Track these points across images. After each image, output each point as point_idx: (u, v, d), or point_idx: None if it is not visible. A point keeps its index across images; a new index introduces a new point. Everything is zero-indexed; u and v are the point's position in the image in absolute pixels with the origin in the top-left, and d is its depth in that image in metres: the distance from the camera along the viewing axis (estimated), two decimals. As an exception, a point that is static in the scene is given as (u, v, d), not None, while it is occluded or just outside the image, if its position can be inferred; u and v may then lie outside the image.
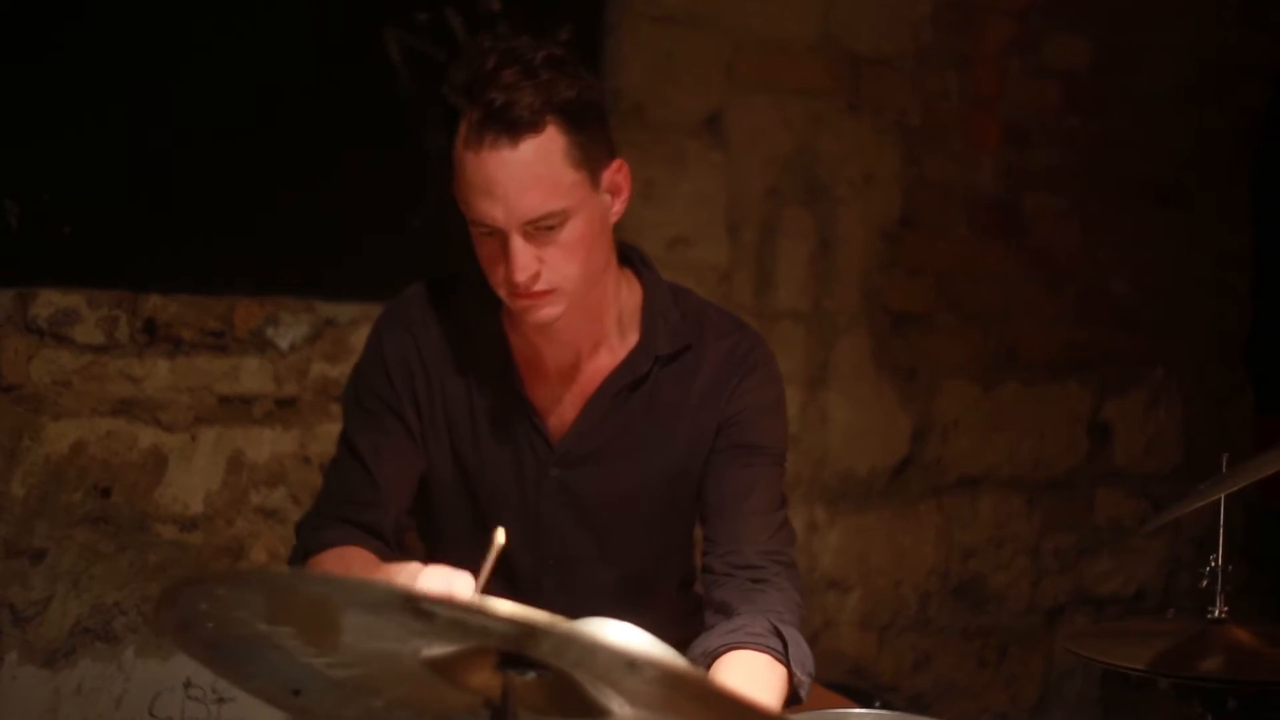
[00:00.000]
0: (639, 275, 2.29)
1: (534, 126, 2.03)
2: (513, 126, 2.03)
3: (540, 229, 2.06)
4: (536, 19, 2.22)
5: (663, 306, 2.27)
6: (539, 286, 2.09)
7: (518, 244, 2.06)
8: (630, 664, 1.36)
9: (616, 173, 2.15)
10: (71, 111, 2.86)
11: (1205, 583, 2.06)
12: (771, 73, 3.67)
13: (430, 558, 2.37)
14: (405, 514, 2.31)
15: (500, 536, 1.74)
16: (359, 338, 3.00)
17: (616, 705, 1.46)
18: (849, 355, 3.82)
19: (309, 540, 2.24)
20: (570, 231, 2.08)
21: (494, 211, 2.05)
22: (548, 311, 2.12)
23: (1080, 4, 4.09)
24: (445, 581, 1.85)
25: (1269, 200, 4.43)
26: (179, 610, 1.47)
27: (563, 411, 2.27)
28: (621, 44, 3.42)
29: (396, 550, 2.26)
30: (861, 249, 3.83)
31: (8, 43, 2.81)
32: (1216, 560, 2.06)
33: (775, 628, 2.12)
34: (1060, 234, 4.14)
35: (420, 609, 1.35)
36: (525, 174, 2.04)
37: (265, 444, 3.09)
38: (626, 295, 2.27)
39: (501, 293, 2.13)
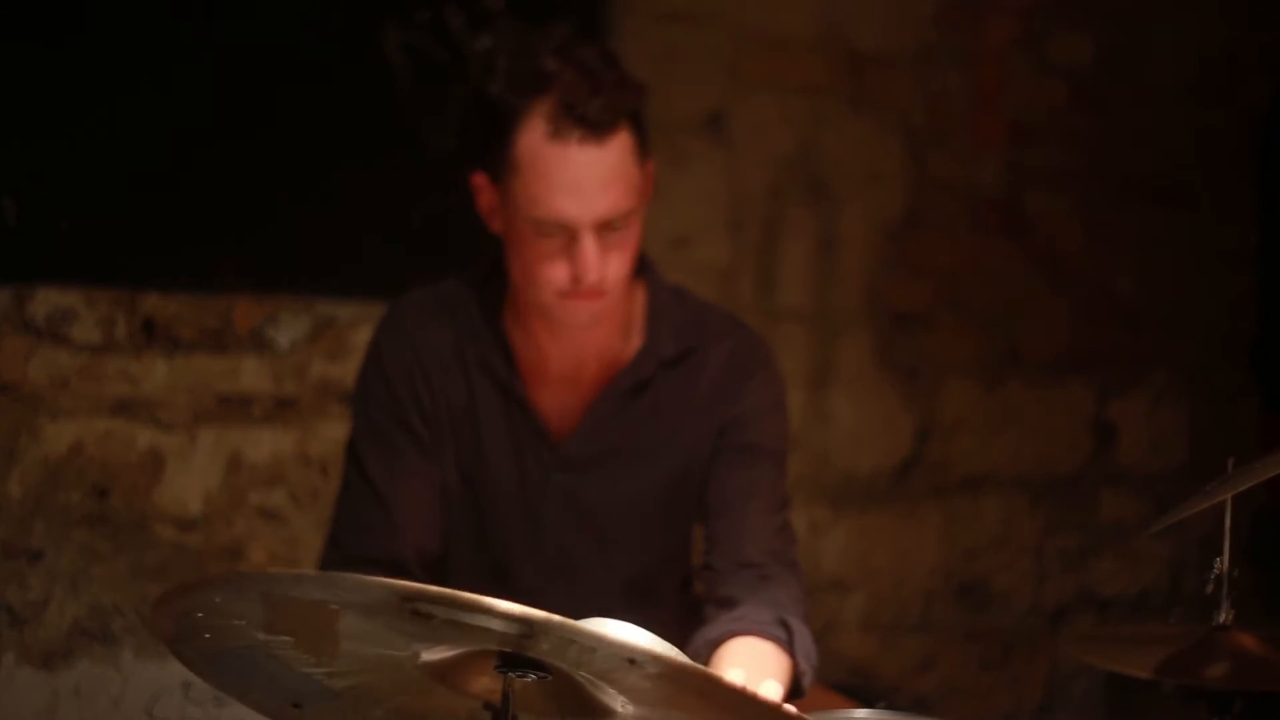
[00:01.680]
0: (643, 277, 2.29)
1: (614, 126, 2.06)
2: (597, 126, 2.05)
3: (610, 228, 2.08)
4: (537, 16, 2.21)
5: (666, 309, 2.27)
6: (603, 286, 2.10)
7: (590, 243, 2.07)
8: (631, 660, 1.36)
9: (649, 174, 2.17)
10: (70, 108, 2.86)
11: (1211, 588, 2.05)
12: (774, 71, 3.66)
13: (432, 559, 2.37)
14: (431, 534, 2.24)
15: None
16: (359, 337, 2.99)
17: (619, 705, 1.46)
18: (851, 355, 3.82)
19: None
20: (631, 231, 2.11)
21: (571, 209, 2.06)
22: (599, 311, 2.14)
23: (1084, 2, 4.08)
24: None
25: (1274, 198, 4.41)
26: (175, 619, 1.46)
27: (566, 415, 2.26)
28: (623, 42, 3.41)
29: (423, 572, 2.21)
30: (864, 248, 3.82)
31: (6, 41, 2.80)
32: (1222, 565, 2.05)
33: (780, 618, 2.12)
34: (1064, 233, 4.13)
35: (417, 610, 1.34)
36: (609, 172, 2.06)
37: (265, 444, 3.08)
38: (632, 298, 2.27)
39: (548, 293, 2.12)
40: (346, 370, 2.54)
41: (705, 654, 2.09)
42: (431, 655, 1.47)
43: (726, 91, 3.60)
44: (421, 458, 2.24)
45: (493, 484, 2.26)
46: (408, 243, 3.12)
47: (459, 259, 2.30)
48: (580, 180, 2.05)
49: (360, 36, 3.10)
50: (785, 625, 2.11)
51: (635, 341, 2.26)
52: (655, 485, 2.26)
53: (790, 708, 1.71)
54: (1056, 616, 4.16)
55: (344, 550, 2.22)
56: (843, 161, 3.78)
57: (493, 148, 2.10)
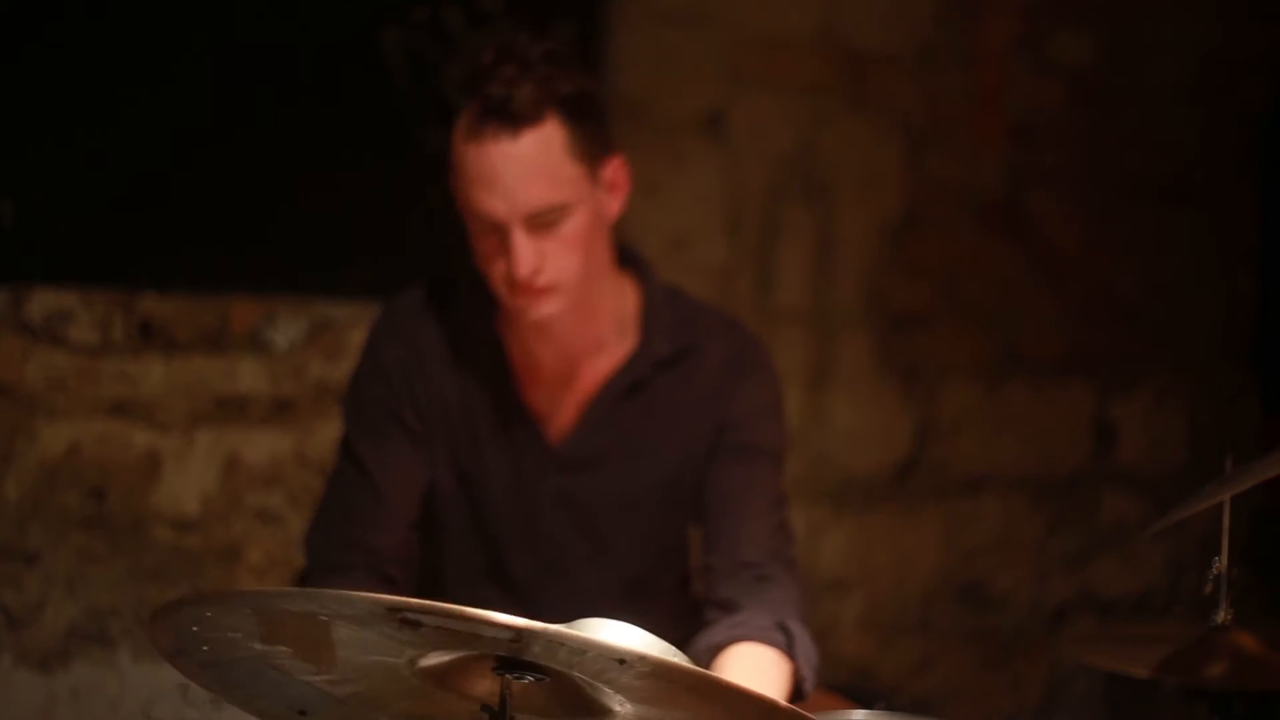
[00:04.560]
0: (637, 277, 2.29)
1: (534, 119, 2.05)
2: (513, 119, 2.04)
3: (542, 223, 2.07)
4: (536, 17, 2.22)
5: (661, 309, 2.27)
6: (541, 282, 2.09)
7: (520, 237, 2.06)
8: (621, 660, 1.36)
9: (616, 170, 2.15)
10: (67, 109, 2.86)
11: (1210, 588, 2.04)
12: (772, 70, 3.66)
13: (429, 561, 2.36)
14: (413, 526, 2.28)
15: None
16: (357, 338, 2.97)
17: (617, 704, 1.45)
18: (850, 355, 3.81)
19: (318, 576, 2.22)
20: (571, 226, 2.08)
21: (495, 205, 2.06)
22: (547, 309, 2.12)
23: (1084, 2, 4.07)
24: None
25: (1275, 198, 4.40)
26: (173, 634, 1.46)
27: (561, 415, 2.26)
28: (621, 42, 3.41)
29: (401, 570, 2.23)
30: (863, 248, 3.82)
31: (2, 41, 2.80)
32: (1220, 564, 2.04)
33: (780, 622, 2.12)
34: (1064, 232, 4.12)
35: (405, 619, 1.34)
36: (527, 166, 2.05)
37: (262, 446, 3.08)
38: (624, 297, 2.27)
39: (500, 290, 2.13)
40: (344, 371, 2.54)
41: (706, 660, 2.10)
42: (429, 661, 1.47)
43: (725, 92, 3.60)
44: (413, 450, 2.24)
45: (488, 483, 2.26)
46: (405, 243, 3.12)
47: (456, 260, 2.30)
48: (496, 175, 2.05)
49: (358, 37, 3.10)
50: (785, 630, 2.12)
51: (630, 342, 2.26)
52: (651, 485, 2.26)
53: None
54: (1057, 617, 4.16)
55: (335, 535, 2.23)
56: (842, 161, 3.77)
57: (445, 151, 2.11)
